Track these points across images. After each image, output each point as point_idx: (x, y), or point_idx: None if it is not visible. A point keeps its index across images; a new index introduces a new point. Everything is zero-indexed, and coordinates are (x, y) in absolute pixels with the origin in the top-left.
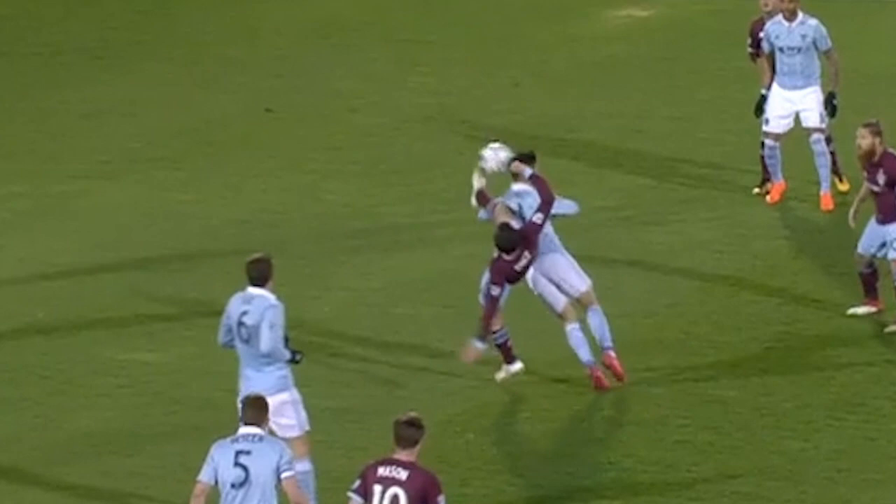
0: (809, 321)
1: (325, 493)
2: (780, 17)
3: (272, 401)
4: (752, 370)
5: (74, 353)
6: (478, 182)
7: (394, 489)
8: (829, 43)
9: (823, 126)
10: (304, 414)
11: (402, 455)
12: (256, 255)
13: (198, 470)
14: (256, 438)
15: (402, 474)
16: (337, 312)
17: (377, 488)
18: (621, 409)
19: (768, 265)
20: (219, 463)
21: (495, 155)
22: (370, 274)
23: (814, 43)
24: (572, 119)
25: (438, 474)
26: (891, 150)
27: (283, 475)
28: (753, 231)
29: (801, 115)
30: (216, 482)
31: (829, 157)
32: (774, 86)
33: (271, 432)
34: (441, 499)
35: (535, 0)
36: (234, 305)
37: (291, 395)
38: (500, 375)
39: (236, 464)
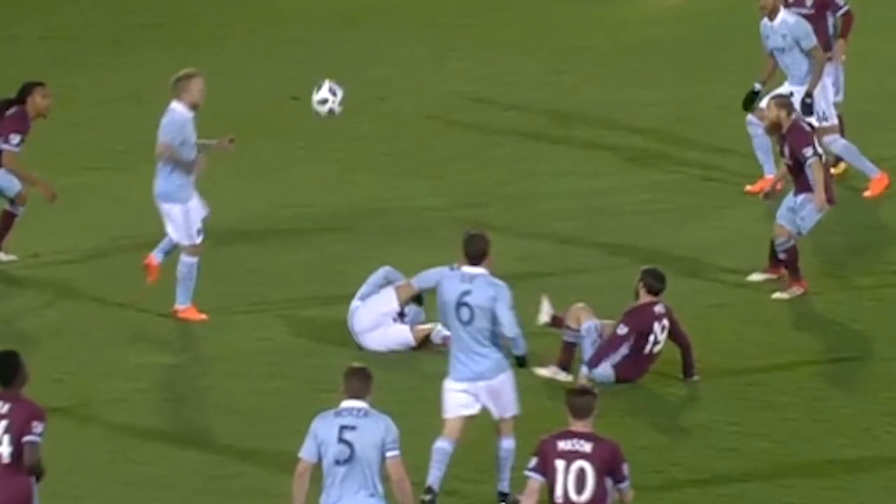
0: (869, 322)
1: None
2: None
3: (495, 381)
4: (806, 373)
5: (88, 355)
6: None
7: (579, 462)
8: (814, 41)
9: (826, 125)
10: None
11: (580, 426)
12: (473, 231)
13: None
14: (361, 413)
15: (587, 446)
16: None
17: (560, 464)
18: (669, 414)
19: (826, 262)
20: (322, 439)
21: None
22: (398, 269)
23: (796, 42)
24: (614, 107)
25: None
26: (801, 123)
27: (389, 454)
28: None
29: None
30: (319, 459)
31: (852, 148)
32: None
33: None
34: (625, 466)
35: None
36: (451, 285)
37: (509, 375)
38: (543, 372)
39: (340, 440)
